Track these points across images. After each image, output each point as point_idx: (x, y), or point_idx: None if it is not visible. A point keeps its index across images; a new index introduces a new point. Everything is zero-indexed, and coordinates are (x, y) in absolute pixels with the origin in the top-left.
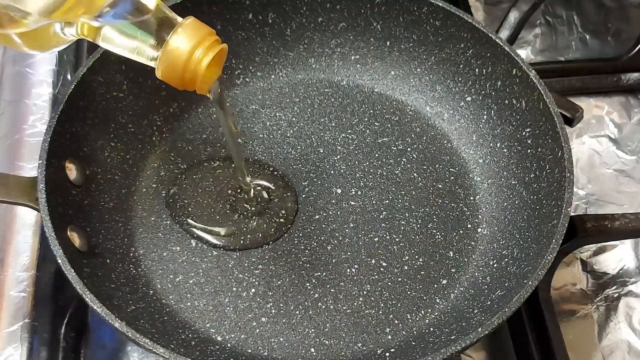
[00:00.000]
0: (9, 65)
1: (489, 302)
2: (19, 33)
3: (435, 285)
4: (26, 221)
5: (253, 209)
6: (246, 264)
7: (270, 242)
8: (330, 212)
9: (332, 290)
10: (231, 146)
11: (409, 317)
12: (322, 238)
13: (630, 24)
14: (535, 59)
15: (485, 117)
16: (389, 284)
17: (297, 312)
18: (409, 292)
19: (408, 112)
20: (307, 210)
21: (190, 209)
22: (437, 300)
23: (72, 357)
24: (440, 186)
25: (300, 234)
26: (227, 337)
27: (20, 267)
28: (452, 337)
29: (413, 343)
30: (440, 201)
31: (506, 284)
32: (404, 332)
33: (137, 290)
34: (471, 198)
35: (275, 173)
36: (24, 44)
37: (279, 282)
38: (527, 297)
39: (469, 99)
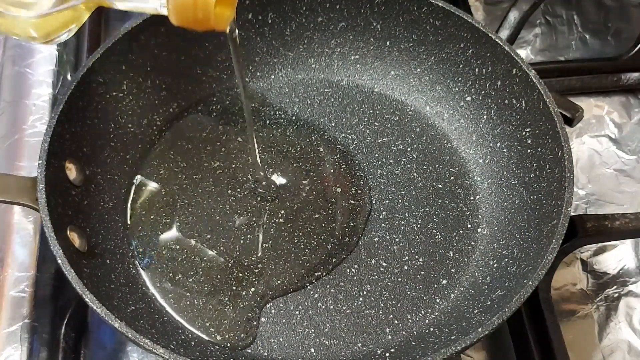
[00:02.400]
0: (9, 66)
1: (489, 302)
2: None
3: (435, 285)
4: (26, 221)
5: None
6: (245, 263)
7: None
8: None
9: (332, 290)
10: (238, 78)
11: (409, 317)
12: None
13: (630, 23)
14: (535, 58)
15: (485, 117)
16: (389, 284)
17: (297, 312)
18: (409, 292)
19: (408, 112)
20: (307, 209)
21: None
22: (437, 300)
23: (71, 358)
24: (440, 186)
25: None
26: (227, 336)
27: (20, 267)
28: (452, 337)
29: (413, 343)
30: (440, 201)
31: (506, 284)
32: (404, 332)
33: (137, 290)
34: (471, 198)
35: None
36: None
37: (279, 282)
38: (527, 297)
39: (468, 98)
